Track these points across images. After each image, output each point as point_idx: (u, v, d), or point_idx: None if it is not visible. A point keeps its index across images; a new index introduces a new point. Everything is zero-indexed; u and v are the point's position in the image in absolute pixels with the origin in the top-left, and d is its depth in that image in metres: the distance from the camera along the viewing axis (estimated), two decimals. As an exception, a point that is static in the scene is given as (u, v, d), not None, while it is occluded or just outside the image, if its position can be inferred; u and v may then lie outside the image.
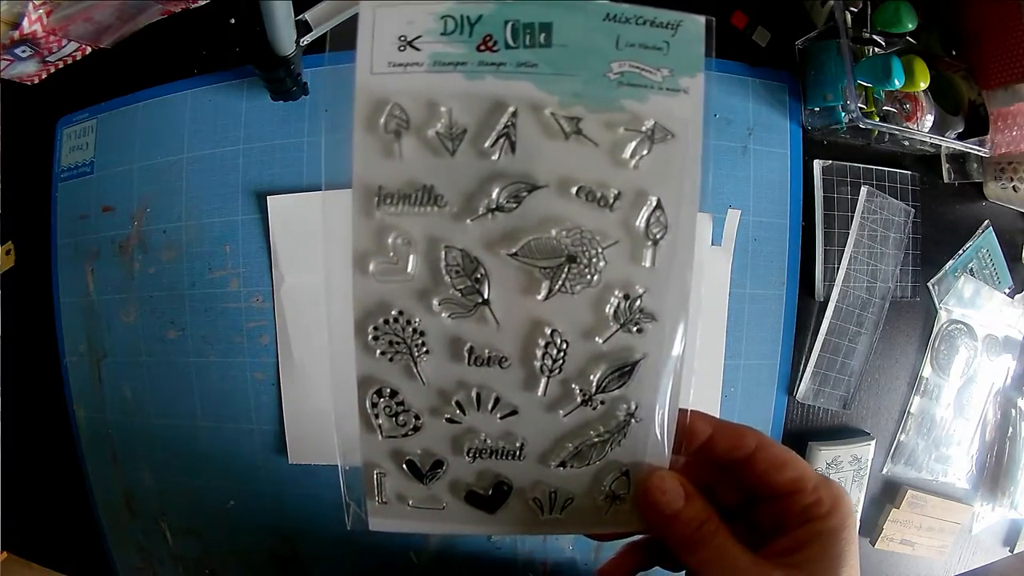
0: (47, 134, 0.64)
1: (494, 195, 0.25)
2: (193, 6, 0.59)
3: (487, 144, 0.25)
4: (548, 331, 0.26)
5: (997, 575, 0.79)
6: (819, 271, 0.63)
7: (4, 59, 0.57)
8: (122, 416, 0.62)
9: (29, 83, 0.63)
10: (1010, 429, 0.75)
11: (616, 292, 0.26)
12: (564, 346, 0.26)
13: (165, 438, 0.62)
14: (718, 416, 0.28)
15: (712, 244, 0.60)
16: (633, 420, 0.27)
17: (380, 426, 0.27)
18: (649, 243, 0.26)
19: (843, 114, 0.58)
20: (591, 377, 0.27)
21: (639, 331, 0.26)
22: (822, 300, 0.63)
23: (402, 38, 0.24)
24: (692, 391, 0.27)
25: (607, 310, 0.26)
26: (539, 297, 0.26)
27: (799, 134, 0.62)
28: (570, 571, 0.62)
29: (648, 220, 0.26)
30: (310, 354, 0.58)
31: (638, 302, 0.26)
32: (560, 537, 0.61)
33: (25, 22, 0.53)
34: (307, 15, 0.51)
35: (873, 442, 0.65)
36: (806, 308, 0.63)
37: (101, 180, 0.62)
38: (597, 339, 0.26)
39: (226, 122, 0.59)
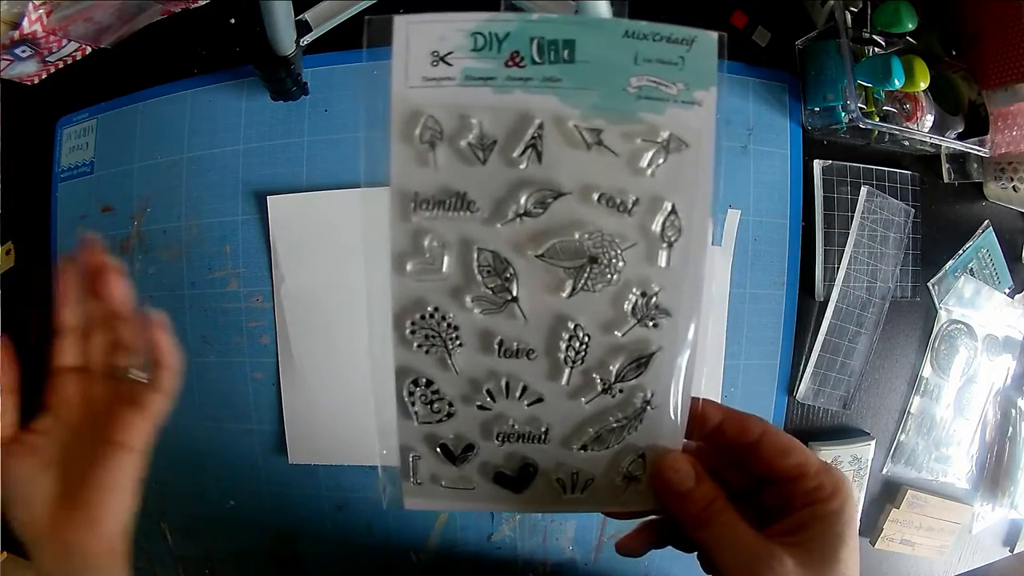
0: (47, 134, 0.64)
1: (522, 201, 0.27)
2: (193, 6, 0.59)
3: (515, 154, 0.27)
4: (572, 325, 0.28)
5: (997, 575, 0.80)
6: (819, 271, 0.63)
7: (4, 59, 0.57)
8: (122, 416, 0.62)
9: (29, 83, 0.63)
10: (1010, 429, 0.75)
11: (634, 290, 0.28)
12: (586, 339, 0.28)
13: (165, 438, 0.61)
14: None
15: (712, 244, 0.60)
16: (649, 407, 0.29)
17: (416, 413, 0.29)
18: (664, 245, 0.28)
19: (843, 114, 0.58)
20: (611, 367, 0.29)
21: (655, 325, 0.28)
22: (822, 300, 0.63)
23: (435, 53, 0.26)
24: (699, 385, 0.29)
25: (625, 306, 0.28)
26: (563, 295, 0.28)
27: (799, 134, 0.63)
28: (570, 571, 0.62)
29: (664, 224, 0.28)
30: (310, 354, 0.58)
31: (654, 299, 0.28)
32: (560, 538, 0.61)
33: (25, 22, 0.53)
34: (307, 15, 0.52)
35: (873, 442, 0.65)
36: (806, 308, 0.63)
37: (101, 180, 0.62)
38: (616, 333, 0.28)
39: (226, 122, 0.59)
